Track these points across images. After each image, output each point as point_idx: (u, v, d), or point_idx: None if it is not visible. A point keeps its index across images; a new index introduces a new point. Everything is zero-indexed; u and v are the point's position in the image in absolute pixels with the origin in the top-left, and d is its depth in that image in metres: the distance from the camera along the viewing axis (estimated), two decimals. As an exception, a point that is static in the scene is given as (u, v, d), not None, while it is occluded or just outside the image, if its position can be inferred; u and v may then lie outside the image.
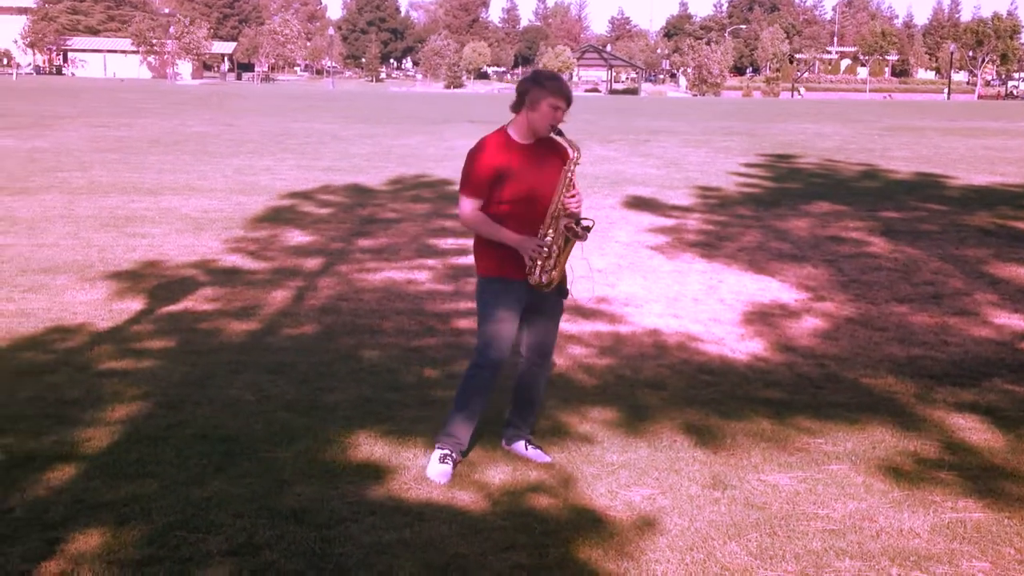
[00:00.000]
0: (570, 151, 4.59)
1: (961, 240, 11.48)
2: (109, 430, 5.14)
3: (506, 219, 4.59)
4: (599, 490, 4.53)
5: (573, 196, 4.60)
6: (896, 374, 6.57)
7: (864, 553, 3.95)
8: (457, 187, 4.80)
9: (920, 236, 11.71)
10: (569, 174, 4.60)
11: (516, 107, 4.62)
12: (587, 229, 4.59)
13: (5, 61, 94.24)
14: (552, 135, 4.57)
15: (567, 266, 4.73)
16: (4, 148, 19.59)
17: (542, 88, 4.52)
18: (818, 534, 4.11)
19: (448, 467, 4.62)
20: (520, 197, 4.58)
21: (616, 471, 4.75)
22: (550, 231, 4.58)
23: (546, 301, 4.76)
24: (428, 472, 4.61)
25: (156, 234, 11.07)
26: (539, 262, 4.57)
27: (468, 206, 4.62)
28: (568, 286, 4.83)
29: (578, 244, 4.63)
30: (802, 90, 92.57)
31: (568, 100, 4.56)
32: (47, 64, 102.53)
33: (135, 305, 8.00)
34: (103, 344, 6.89)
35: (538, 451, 4.89)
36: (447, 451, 4.66)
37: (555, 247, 4.58)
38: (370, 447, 4.97)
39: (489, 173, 4.56)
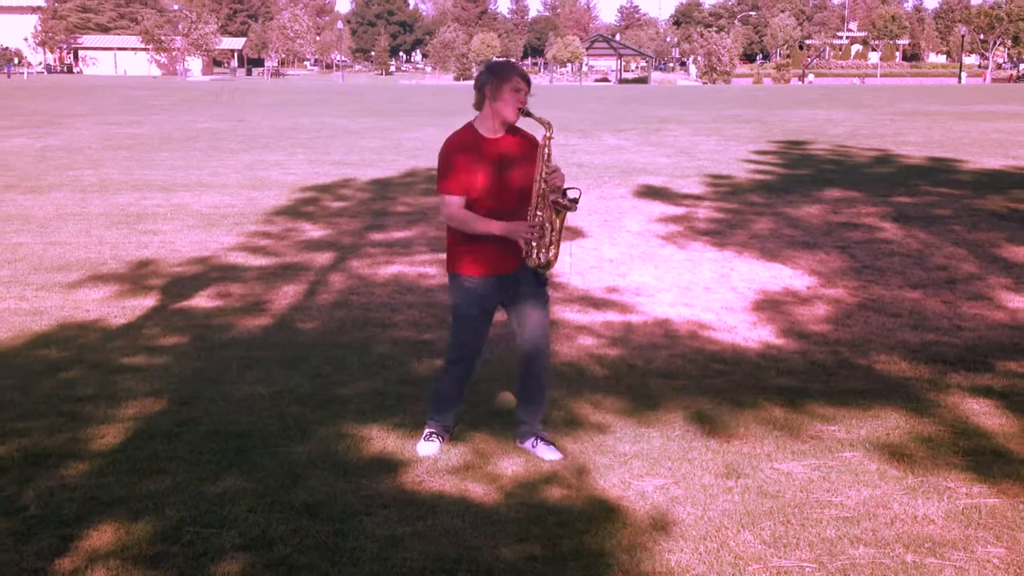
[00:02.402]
0: (543, 128, 4.58)
1: (974, 224, 11.42)
2: (122, 427, 5.16)
3: (483, 214, 4.63)
4: (612, 480, 4.52)
5: (554, 172, 4.60)
6: (910, 360, 6.54)
7: (878, 540, 3.94)
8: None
9: (933, 221, 11.65)
10: (546, 151, 4.60)
11: (479, 104, 4.66)
12: (574, 200, 4.59)
13: (17, 60, 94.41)
14: (523, 117, 4.62)
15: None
16: (16, 147, 19.67)
17: (499, 76, 4.58)
18: (832, 522, 4.10)
19: (435, 443, 4.87)
20: (494, 191, 4.61)
21: (629, 461, 4.74)
22: (539, 211, 4.60)
23: (525, 292, 4.77)
24: (417, 449, 4.84)
25: (168, 231, 11.09)
26: (534, 243, 4.60)
27: (453, 203, 4.67)
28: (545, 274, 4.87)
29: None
30: (811, 76, 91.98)
31: (527, 80, 4.63)
32: (57, 63, 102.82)
33: (147, 302, 8.03)
34: (116, 341, 6.92)
35: (549, 447, 4.84)
36: (432, 430, 4.93)
37: (548, 224, 4.60)
38: (383, 440, 4.97)
39: (465, 168, 4.60)
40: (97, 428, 5.13)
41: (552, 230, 4.61)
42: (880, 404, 5.58)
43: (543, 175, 4.58)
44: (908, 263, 9.48)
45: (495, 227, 4.60)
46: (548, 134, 4.57)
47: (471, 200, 4.62)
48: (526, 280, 4.75)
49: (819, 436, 5.08)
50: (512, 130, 4.66)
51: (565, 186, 4.62)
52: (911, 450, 4.89)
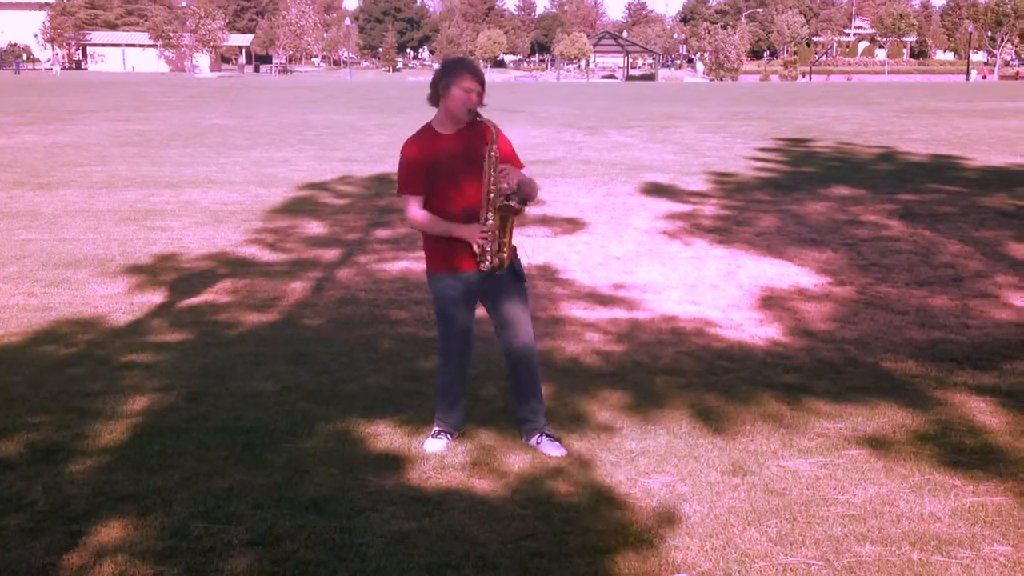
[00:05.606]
0: (489, 130, 4.58)
1: (981, 222, 11.40)
2: (131, 423, 5.18)
3: (446, 211, 4.65)
4: (618, 477, 4.53)
5: (503, 173, 4.59)
6: (916, 358, 6.54)
7: (885, 538, 3.94)
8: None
9: (939, 219, 11.63)
10: (492, 154, 4.59)
11: (433, 100, 4.66)
12: (523, 203, 4.62)
13: (24, 57, 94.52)
14: (471, 118, 4.59)
15: (519, 251, 4.83)
16: (25, 143, 19.72)
17: (451, 73, 4.57)
18: (838, 519, 4.10)
19: (442, 441, 4.87)
20: (453, 187, 4.63)
21: (635, 458, 4.75)
22: (489, 214, 4.61)
23: (502, 288, 4.79)
24: (424, 446, 4.84)
25: (176, 227, 11.12)
26: (487, 247, 4.62)
27: (412, 206, 4.70)
28: (522, 270, 4.90)
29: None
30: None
31: (479, 79, 4.59)
32: (66, 59, 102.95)
33: (155, 298, 8.05)
34: (124, 337, 6.94)
35: (554, 444, 4.85)
36: (439, 428, 4.94)
37: (496, 229, 4.62)
38: (389, 437, 4.98)
39: (420, 168, 4.63)
40: (105, 424, 5.15)
41: (501, 234, 4.63)
42: (886, 402, 5.58)
43: (491, 179, 4.58)
44: (915, 261, 9.47)
45: (453, 229, 4.64)
46: (494, 135, 4.55)
47: (437, 198, 4.65)
48: (505, 277, 4.77)
49: (825, 434, 5.09)
50: (472, 124, 4.62)
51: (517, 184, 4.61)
52: (917, 448, 4.89)
